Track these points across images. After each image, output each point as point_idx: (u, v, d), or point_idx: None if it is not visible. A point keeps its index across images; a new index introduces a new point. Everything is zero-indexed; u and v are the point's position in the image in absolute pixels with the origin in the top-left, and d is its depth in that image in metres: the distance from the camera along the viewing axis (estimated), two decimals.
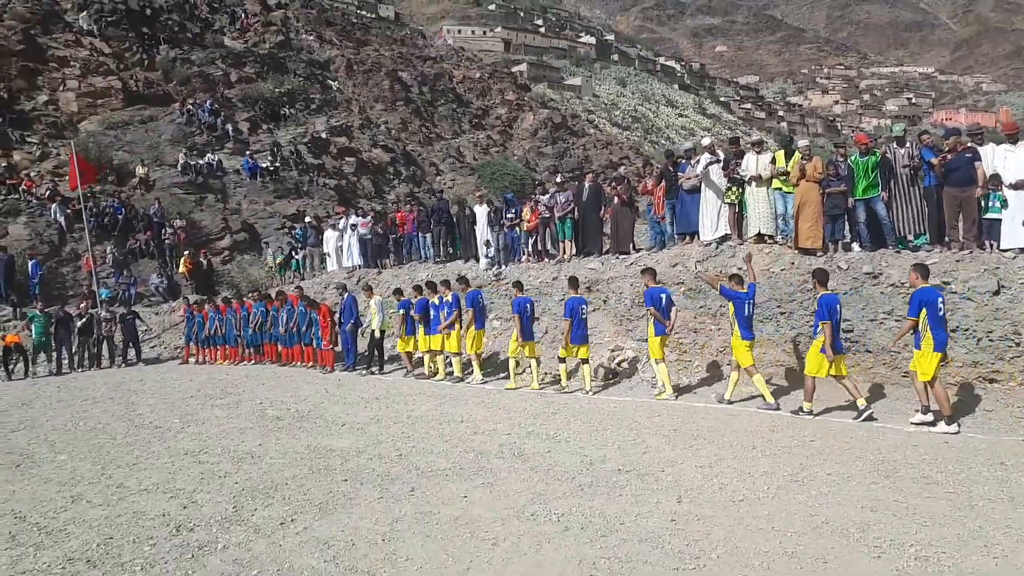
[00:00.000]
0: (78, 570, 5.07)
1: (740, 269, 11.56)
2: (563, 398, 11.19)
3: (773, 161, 12.19)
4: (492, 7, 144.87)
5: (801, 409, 9.20)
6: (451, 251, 18.80)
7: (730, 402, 10.09)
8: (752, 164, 12.44)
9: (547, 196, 16.23)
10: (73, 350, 18.25)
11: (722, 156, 13.18)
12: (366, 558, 5.13)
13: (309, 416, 10.33)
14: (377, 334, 15.00)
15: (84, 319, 18.24)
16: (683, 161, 13.83)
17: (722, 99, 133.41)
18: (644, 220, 17.07)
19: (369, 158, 38.27)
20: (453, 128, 50.61)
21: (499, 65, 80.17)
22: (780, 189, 12.07)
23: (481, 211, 17.38)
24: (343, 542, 5.42)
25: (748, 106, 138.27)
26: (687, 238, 13.53)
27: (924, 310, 8.12)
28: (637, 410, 10.00)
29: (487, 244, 17.05)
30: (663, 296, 10.89)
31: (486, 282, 16.06)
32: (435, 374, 13.86)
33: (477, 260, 17.51)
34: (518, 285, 12.86)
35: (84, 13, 36.63)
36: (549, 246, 16.48)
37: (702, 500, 6.15)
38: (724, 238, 12.90)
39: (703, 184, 12.99)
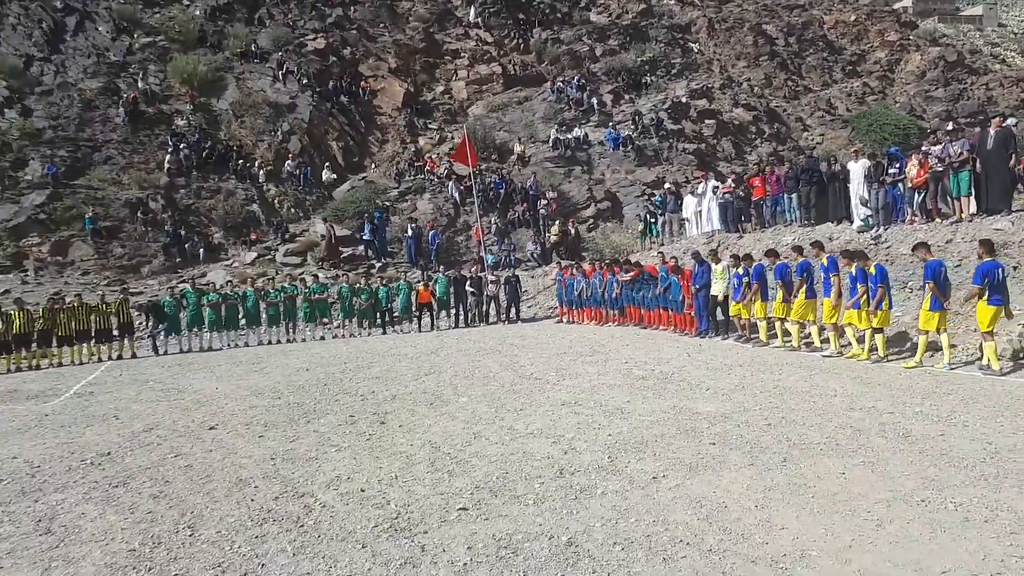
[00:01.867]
0: (483, 497, 5.87)
1: None
2: (960, 377, 9.85)
3: None
4: None
5: None
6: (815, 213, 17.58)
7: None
8: None
9: (939, 147, 14.24)
10: (467, 307, 20.97)
11: None
12: (739, 522, 5.13)
13: (673, 378, 10.55)
14: (720, 298, 14.80)
15: (475, 281, 20.85)
16: None
17: None
18: None
19: (730, 119, 37.23)
20: (823, 79, 46.69)
21: (878, 4, 71.61)
22: None
23: (856, 167, 15.92)
24: (715, 503, 5.48)
25: None
26: None
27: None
28: None
29: (863, 203, 15.57)
30: (943, 270, 10.51)
31: (862, 246, 14.69)
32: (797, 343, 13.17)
33: (850, 221, 16.11)
34: (923, 247, 11.24)
35: (471, 8, 41.18)
36: (940, 204, 14.50)
37: None
38: None
39: None
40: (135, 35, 35.09)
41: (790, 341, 13.09)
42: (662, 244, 22.86)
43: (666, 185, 25.93)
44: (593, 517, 5.33)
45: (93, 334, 17.48)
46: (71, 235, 26.01)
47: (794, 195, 17.99)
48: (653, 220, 24.51)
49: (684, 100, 36.61)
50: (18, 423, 9.94)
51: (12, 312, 17.13)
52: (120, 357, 17.63)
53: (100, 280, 24.15)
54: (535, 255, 26.27)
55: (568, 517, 5.34)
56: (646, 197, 28.38)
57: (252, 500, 6.00)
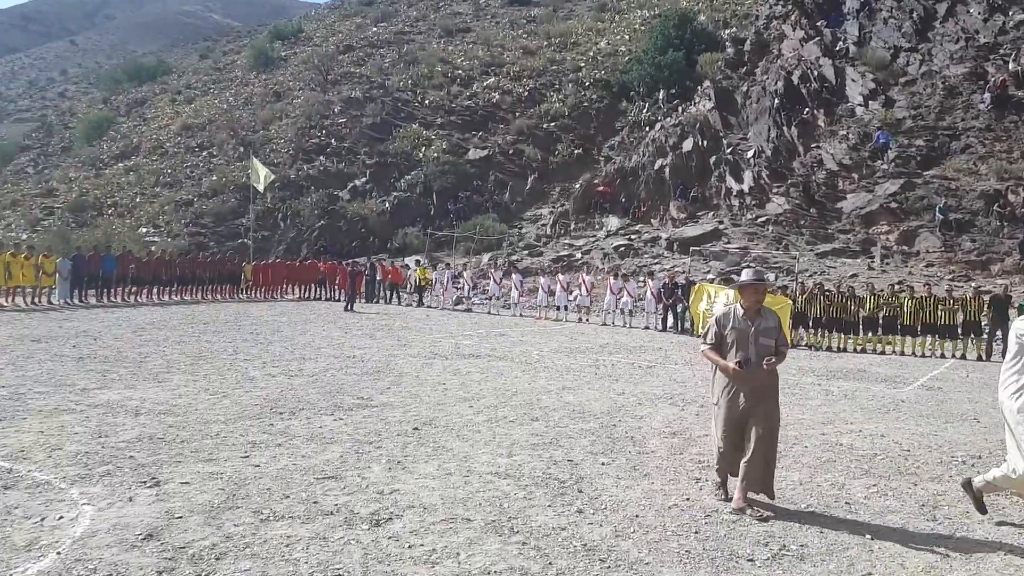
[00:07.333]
0: None
1: None
2: None
3: None
4: None
5: None
6: None
7: None
8: None
9: None
10: None
11: None
12: None
13: None
14: None
15: None
16: None
17: None
18: None
19: None
20: None
21: None
22: None
23: None
24: None
25: None
26: None
27: None
28: None
29: None
30: None
31: None
32: None
33: None
34: None
35: None
36: None
37: None
38: None
39: None
40: (1009, 12, 32.08)
41: None
42: None
43: None
44: None
45: (938, 327, 16.59)
46: (919, 225, 25.65)
47: None
48: None
49: None
50: (877, 403, 9.81)
51: (864, 295, 17.74)
52: (964, 357, 16.25)
53: (944, 273, 23.06)
54: None
55: None
56: None
57: None
